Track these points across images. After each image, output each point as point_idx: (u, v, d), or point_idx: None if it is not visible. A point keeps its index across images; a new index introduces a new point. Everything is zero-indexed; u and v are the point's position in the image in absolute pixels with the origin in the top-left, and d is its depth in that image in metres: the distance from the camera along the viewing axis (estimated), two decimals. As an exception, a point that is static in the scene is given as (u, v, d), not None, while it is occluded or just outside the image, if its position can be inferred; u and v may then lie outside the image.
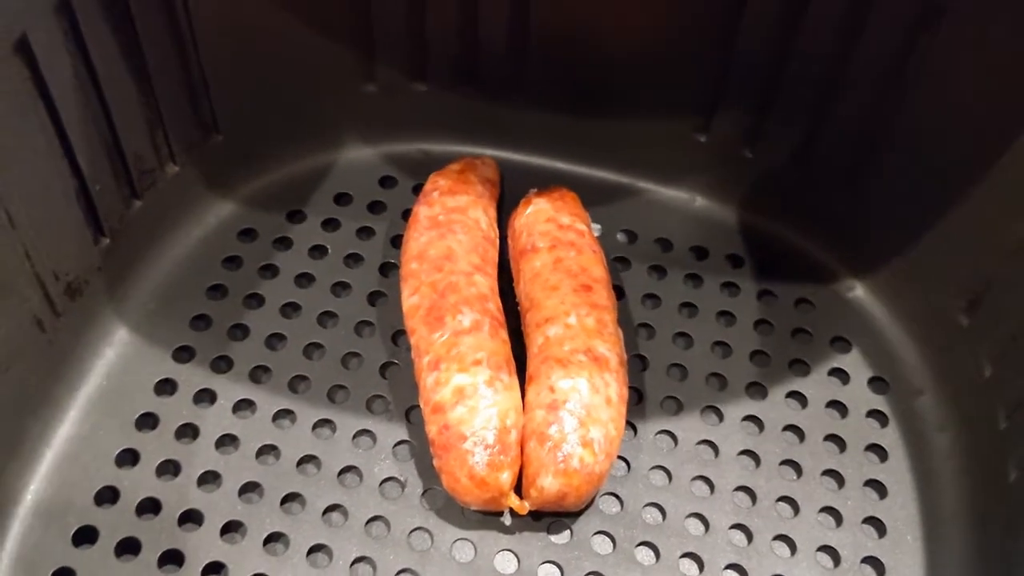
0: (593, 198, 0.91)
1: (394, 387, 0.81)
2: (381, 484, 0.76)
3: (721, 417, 0.81)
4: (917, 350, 0.85)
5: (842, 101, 0.83)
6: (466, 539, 0.73)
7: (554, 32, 0.88)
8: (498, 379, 0.73)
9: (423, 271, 0.80)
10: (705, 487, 0.77)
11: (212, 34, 0.83)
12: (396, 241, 0.91)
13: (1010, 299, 0.75)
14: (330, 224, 0.93)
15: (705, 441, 0.80)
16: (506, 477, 0.70)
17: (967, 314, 0.80)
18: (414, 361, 0.77)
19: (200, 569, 0.71)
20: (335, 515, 0.75)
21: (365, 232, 0.92)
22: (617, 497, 0.76)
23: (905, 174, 0.83)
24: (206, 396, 0.80)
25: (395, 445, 0.78)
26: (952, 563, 0.74)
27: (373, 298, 0.88)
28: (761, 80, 0.86)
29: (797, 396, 0.83)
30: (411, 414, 0.80)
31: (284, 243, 0.91)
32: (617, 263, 0.91)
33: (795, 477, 0.78)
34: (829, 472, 0.78)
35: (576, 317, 0.76)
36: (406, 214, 0.92)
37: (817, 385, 0.83)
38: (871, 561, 0.74)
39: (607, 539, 0.74)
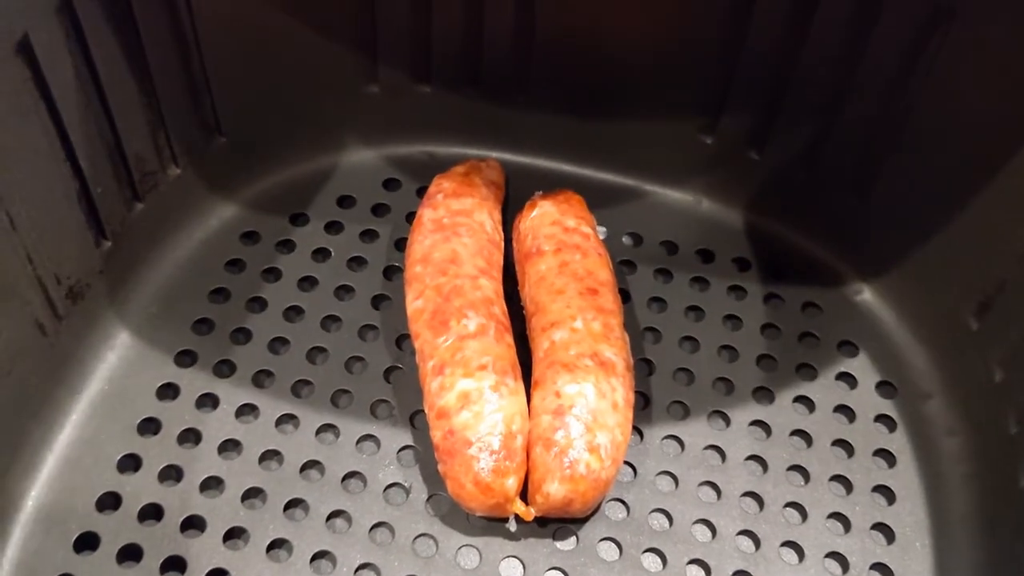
0: (598, 201, 0.90)
1: (398, 392, 0.81)
2: (385, 490, 0.75)
3: (728, 422, 0.80)
4: (926, 354, 0.84)
5: (850, 103, 0.83)
6: (471, 545, 0.73)
7: (559, 33, 0.88)
8: (504, 384, 0.72)
9: (427, 274, 0.79)
10: (712, 493, 0.77)
11: (215, 35, 0.82)
12: (400, 244, 0.91)
13: (1020, 302, 0.75)
14: (333, 227, 0.92)
15: (712, 446, 0.79)
16: (511, 483, 0.70)
17: (976, 317, 0.79)
18: (418, 365, 0.77)
19: (203, 576, 0.71)
20: (339, 521, 0.74)
21: (369, 235, 0.92)
22: (623, 503, 0.75)
23: (913, 176, 0.82)
24: (208, 401, 0.80)
25: (399, 450, 0.77)
26: (962, 569, 0.73)
27: (377, 302, 0.87)
28: (768, 81, 0.85)
29: (804, 401, 0.82)
30: (415, 419, 0.79)
31: (287, 246, 0.90)
32: (623, 266, 0.90)
33: (803, 482, 0.77)
34: (837, 477, 0.78)
35: (582, 321, 0.76)
36: (410, 217, 0.92)
37: (824, 389, 0.83)
38: (880, 568, 0.73)
39: (613, 546, 0.73)
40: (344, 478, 0.76)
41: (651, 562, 0.73)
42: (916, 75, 0.78)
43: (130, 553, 0.71)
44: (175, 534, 0.72)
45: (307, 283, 0.88)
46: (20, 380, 0.73)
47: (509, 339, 0.77)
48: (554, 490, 0.69)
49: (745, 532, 0.74)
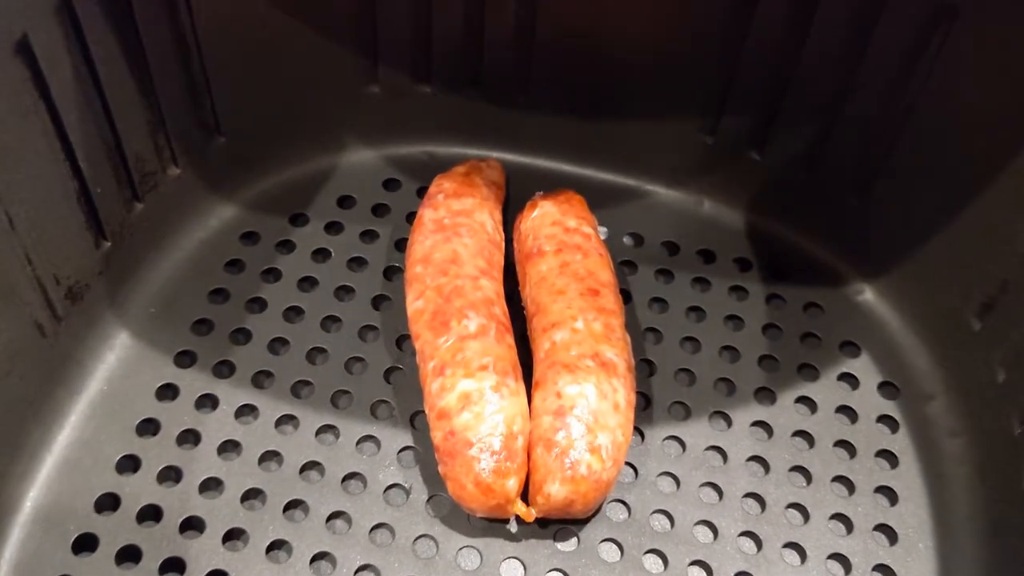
0: (599, 201, 0.90)
1: (398, 392, 0.81)
2: (385, 491, 0.75)
3: (729, 422, 0.80)
4: (928, 354, 0.84)
5: (851, 102, 0.83)
6: (472, 547, 0.72)
7: (560, 33, 0.88)
8: (504, 384, 0.72)
9: (428, 275, 0.79)
10: (714, 494, 0.76)
11: (215, 35, 0.82)
12: (400, 244, 0.90)
13: (1023, 302, 0.74)
14: (333, 227, 0.92)
15: (713, 447, 0.79)
16: (512, 484, 0.69)
17: (979, 317, 0.79)
18: (419, 366, 0.76)
19: (202, 577, 0.70)
20: (339, 522, 0.74)
21: (369, 235, 0.91)
22: (625, 504, 0.75)
23: (915, 176, 0.82)
24: (208, 401, 0.79)
25: (399, 451, 0.77)
26: (965, 570, 0.73)
27: (377, 302, 0.87)
28: (769, 81, 0.85)
29: (806, 401, 0.82)
30: (416, 420, 0.79)
31: (287, 246, 0.90)
32: (624, 267, 0.90)
33: (805, 484, 0.77)
34: (839, 478, 0.77)
35: (583, 322, 0.75)
36: (410, 217, 0.92)
37: (826, 390, 0.83)
38: (882, 569, 0.73)
39: (615, 547, 0.73)
40: (344, 479, 0.75)
41: (652, 563, 0.73)
42: (917, 75, 0.77)
43: (129, 554, 0.71)
44: (174, 535, 0.72)
45: (307, 283, 0.88)
46: (19, 381, 0.73)
47: (510, 340, 0.76)
48: (555, 491, 0.69)
49: (747, 533, 0.74)
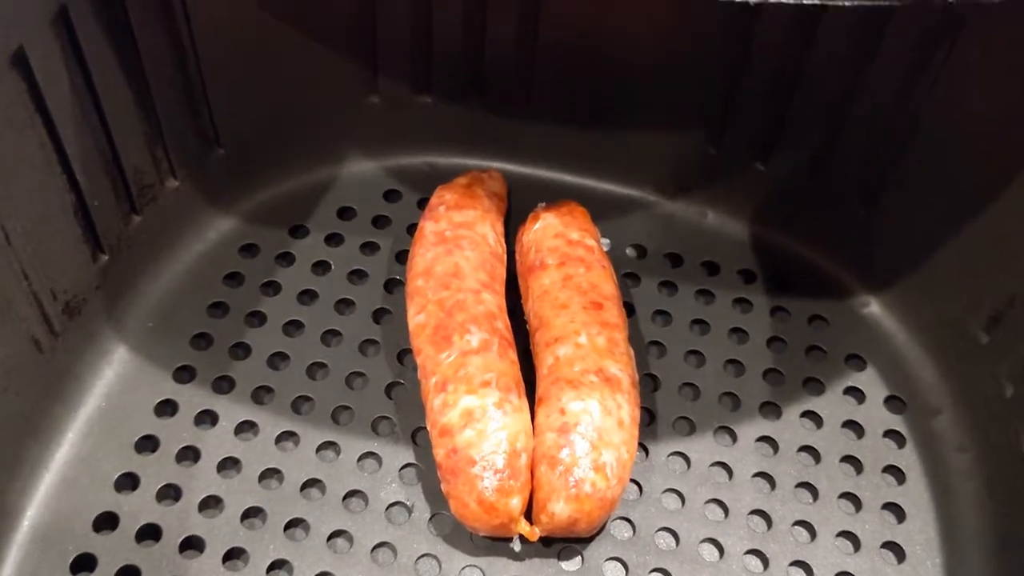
0: (602, 212, 0.89)
1: (400, 408, 0.80)
2: (387, 509, 0.74)
3: (735, 438, 0.79)
4: (934, 368, 0.83)
5: (857, 112, 0.82)
6: (475, 566, 0.72)
7: (561, 43, 0.87)
8: (507, 401, 0.71)
9: (429, 288, 0.78)
10: (719, 511, 0.75)
11: (213, 46, 0.81)
12: (401, 257, 0.89)
13: (1032, 317, 0.74)
14: (333, 239, 0.91)
15: (719, 463, 0.78)
16: (516, 502, 0.68)
17: (987, 331, 0.78)
18: (420, 382, 0.75)
19: (201, 597, 0.69)
20: (340, 541, 0.73)
21: (369, 247, 0.90)
22: (629, 522, 0.74)
23: (921, 187, 0.81)
24: (207, 418, 0.78)
25: (401, 468, 0.76)
26: (973, 587, 0.72)
27: (378, 316, 0.86)
28: (773, 91, 0.84)
29: (812, 416, 0.81)
30: (418, 436, 0.78)
31: (286, 259, 0.89)
32: (627, 279, 0.89)
33: (811, 500, 0.76)
34: (846, 495, 0.76)
35: (587, 336, 0.75)
36: (411, 229, 0.91)
37: (832, 404, 0.82)
38: (891, 587, 0.72)
39: (619, 565, 0.72)
40: (345, 497, 0.75)
41: (658, 582, 0.72)
42: (923, 84, 0.77)
43: (128, 574, 0.70)
44: (173, 555, 0.71)
45: (307, 297, 0.87)
46: (16, 397, 0.72)
47: (513, 355, 0.75)
48: (559, 510, 0.68)
49: (753, 551, 0.73)
